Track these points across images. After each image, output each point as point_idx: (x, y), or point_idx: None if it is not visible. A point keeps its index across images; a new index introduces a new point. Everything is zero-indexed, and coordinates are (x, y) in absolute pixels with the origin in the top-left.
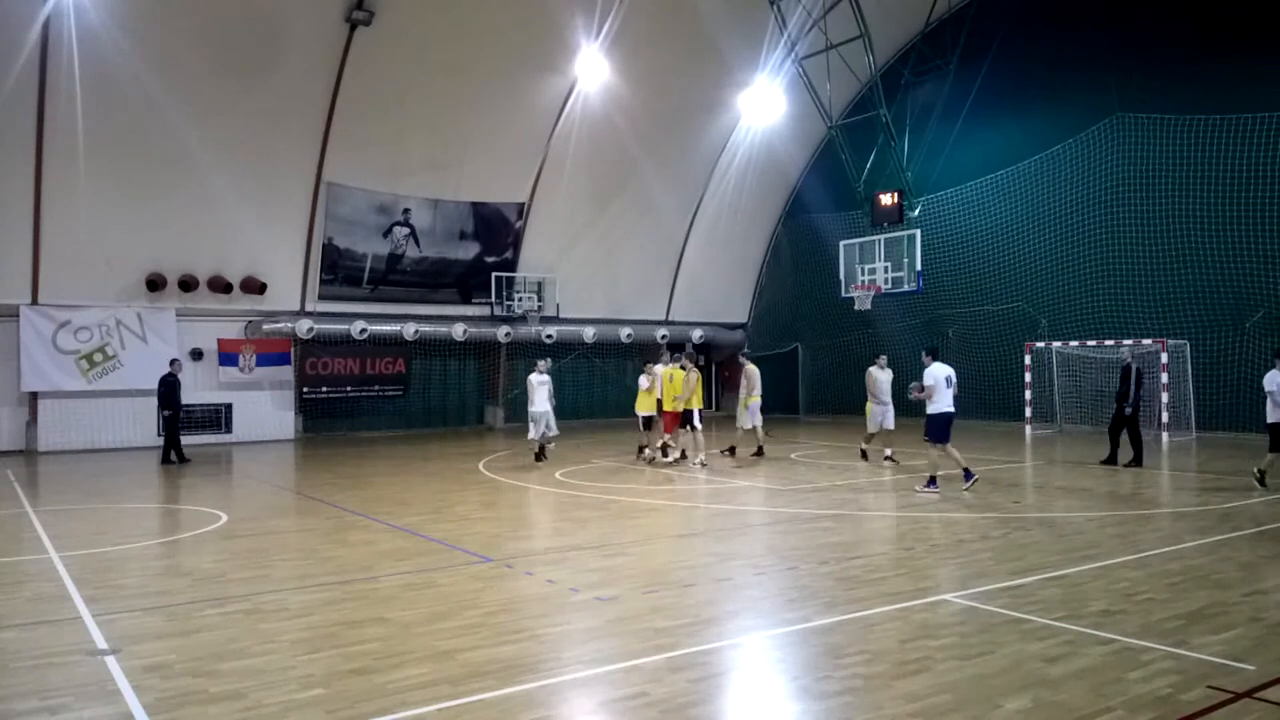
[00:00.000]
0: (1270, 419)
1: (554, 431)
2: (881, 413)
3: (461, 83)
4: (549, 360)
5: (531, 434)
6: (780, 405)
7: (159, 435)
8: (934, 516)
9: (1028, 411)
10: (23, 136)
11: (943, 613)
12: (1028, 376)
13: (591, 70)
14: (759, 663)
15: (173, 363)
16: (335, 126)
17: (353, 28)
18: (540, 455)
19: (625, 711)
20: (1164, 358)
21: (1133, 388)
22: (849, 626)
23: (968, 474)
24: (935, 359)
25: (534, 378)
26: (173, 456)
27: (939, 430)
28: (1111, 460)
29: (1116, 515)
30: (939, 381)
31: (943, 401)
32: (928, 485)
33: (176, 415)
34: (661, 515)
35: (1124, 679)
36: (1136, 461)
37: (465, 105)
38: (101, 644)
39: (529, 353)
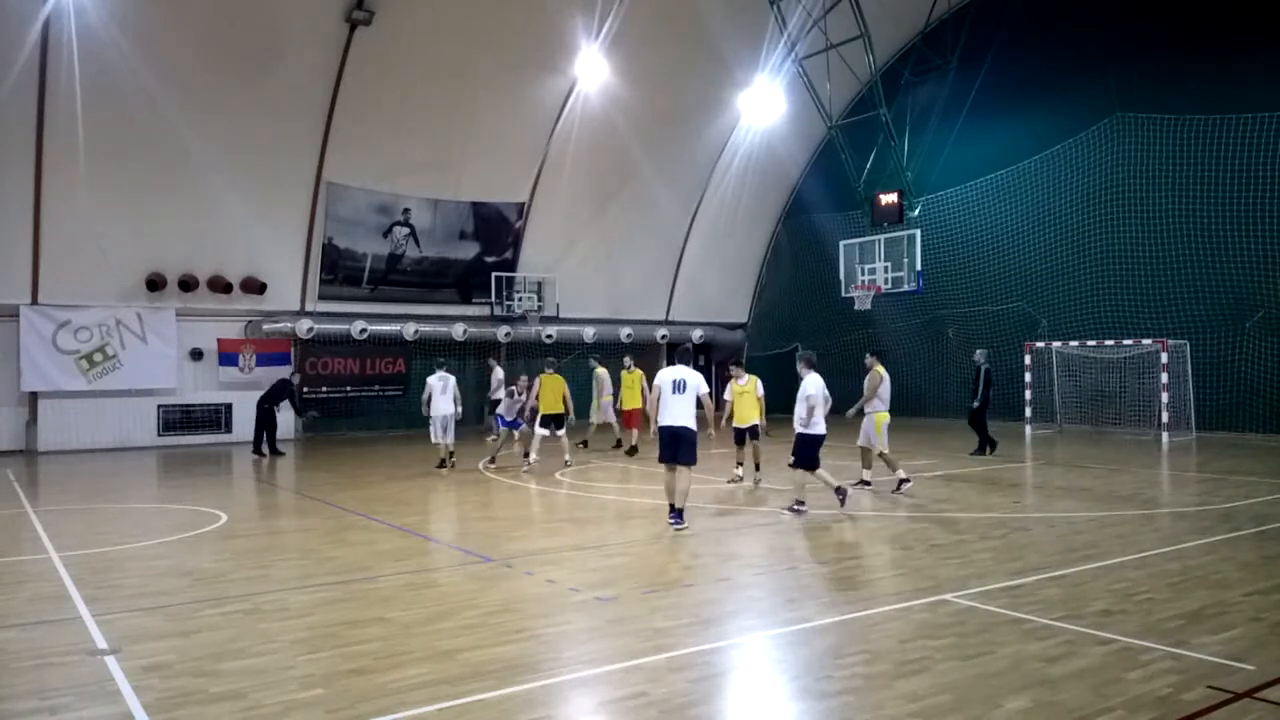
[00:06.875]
0: None
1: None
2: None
3: (461, 83)
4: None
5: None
6: (780, 405)
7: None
8: (933, 517)
9: (1028, 411)
10: (23, 136)
11: (943, 613)
12: (1028, 376)
13: (591, 70)
14: (759, 663)
15: (293, 375)
16: (335, 126)
17: (353, 28)
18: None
19: (625, 711)
20: (1164, 358)
21: (981, 386)
22: (849, 626)
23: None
24: (677, 363)
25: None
26: (264, 449)
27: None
28: (980, 451)
29: (1116, 515)
30: (661, 386)
31: (661, 413)
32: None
33: (274, 413)
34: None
35: (1124, 679)
36: (980, 450)
37: (465, 105)
38: (101, 644)
39: (529, 352)
